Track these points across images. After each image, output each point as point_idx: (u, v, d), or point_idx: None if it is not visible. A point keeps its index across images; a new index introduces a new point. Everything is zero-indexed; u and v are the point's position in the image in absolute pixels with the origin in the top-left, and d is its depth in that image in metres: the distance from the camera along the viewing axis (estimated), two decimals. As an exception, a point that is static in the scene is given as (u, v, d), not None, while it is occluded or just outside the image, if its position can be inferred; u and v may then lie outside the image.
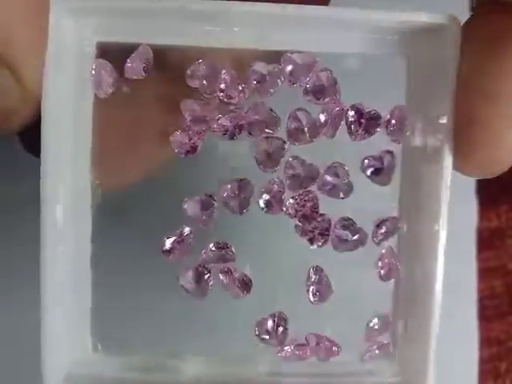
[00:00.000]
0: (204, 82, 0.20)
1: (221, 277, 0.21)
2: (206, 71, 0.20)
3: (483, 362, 0.30)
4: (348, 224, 0.21)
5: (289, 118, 0.21)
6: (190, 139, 0.21)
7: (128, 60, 0.20)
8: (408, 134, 0.21)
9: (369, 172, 0.21)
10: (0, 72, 0.19)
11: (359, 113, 0.21)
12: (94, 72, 0.20)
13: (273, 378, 0.22)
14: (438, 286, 0.21)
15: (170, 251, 0.21)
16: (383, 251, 0.22)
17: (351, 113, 0.21)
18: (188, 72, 0.20)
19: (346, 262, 0.21)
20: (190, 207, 0.21)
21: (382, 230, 0.21)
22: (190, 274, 0.21)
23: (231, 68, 0.21)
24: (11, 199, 0.24)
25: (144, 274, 0.22)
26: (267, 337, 0.21)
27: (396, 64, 0.22)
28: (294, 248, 0.21)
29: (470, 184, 0.31)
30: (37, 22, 0.19)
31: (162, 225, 0.21)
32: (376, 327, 0.22)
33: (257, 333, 0.21)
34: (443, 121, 0.20)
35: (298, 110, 0.21)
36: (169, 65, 0.21)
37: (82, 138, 0.21)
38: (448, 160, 0.20)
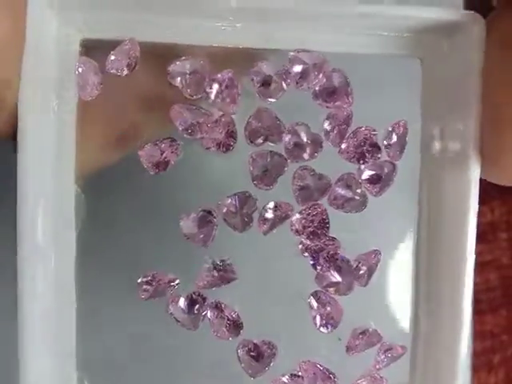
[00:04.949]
0: (188, 81, 0.18)
1: (209, 314, 0.18)
2: (191, 69, 0.18)
3: (477, 355, 0.30)
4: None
5: (288, 132, 0.19)
6: (162, 153, 0.18)
7: (112, 52, 0.18)
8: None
9: (364, 177, 0.19)
10: None
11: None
12: (78, 72, 0.18)
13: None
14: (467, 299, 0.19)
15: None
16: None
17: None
18: (169, 69, 0.18)
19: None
20: (187, 225, 0.18)
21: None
22: (182, 302, 0.18)
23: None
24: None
25: (133, 303, 0.19)
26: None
27: (410, 66, 0.20)
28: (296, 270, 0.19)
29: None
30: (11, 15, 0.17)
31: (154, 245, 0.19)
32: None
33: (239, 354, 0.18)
34: (468, 127, 0.18)
35: (297, 124, 0.19)
36: (155, 62, 0.18)
37: (65, 142, 0.19)
38: (475, 167, 0.18)
